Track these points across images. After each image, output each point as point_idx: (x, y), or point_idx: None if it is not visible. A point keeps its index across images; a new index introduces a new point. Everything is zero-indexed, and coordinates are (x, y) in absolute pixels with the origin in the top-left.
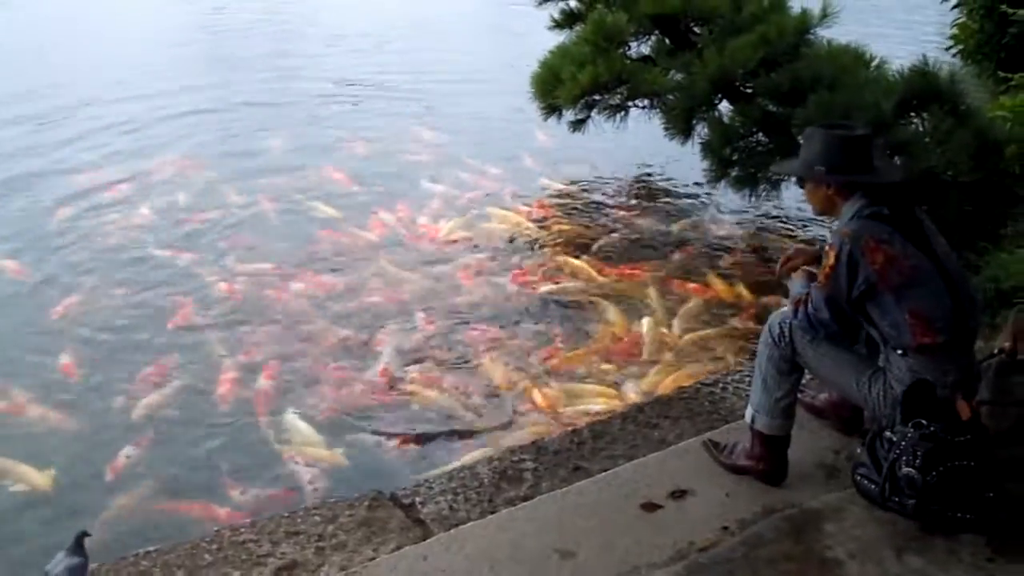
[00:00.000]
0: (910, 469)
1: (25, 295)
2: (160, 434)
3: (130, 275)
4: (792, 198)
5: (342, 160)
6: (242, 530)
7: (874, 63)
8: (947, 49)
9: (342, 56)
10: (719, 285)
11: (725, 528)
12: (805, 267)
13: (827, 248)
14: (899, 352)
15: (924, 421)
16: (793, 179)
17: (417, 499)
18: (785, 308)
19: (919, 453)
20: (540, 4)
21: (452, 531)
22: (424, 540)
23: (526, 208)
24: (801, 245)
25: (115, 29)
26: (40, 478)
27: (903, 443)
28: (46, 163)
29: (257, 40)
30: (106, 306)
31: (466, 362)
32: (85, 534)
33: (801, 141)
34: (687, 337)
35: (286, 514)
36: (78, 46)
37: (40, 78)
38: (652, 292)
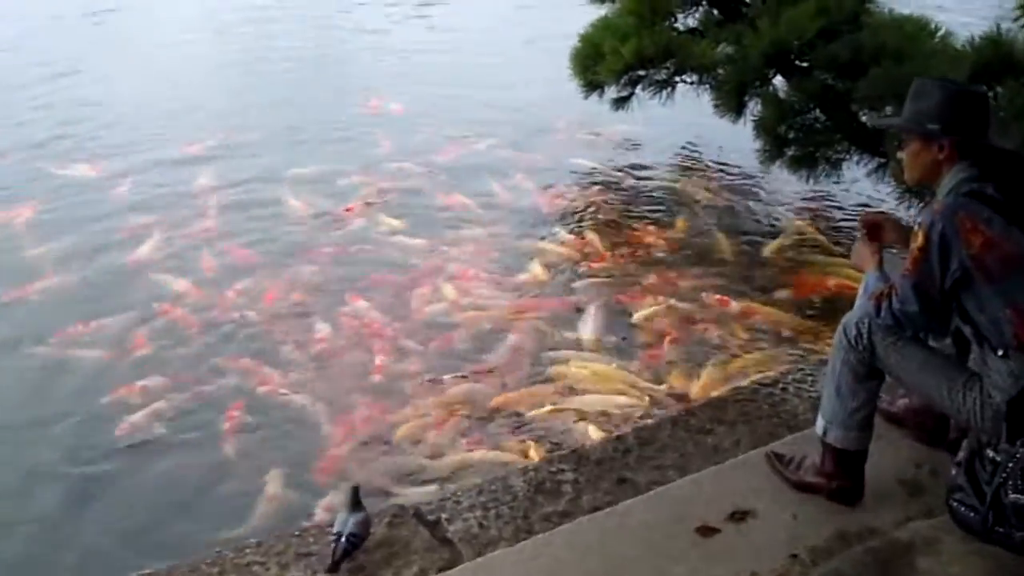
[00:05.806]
0: (1019, 495)
1: None
2: None
3: None
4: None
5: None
6: (247, 551)
7: (939, 33)
8: (1015, 20)
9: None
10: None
11: (794, 556)
12: (885, 248)
13: (916, 228)
14: (999, 353)
15: None
16: (856, 159)
17: (443, 515)
18: (861, 306)
19: None
20: None
21: (480, 559)
22: (451, 564)
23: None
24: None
25: None
26: None
27: (1010, 465)
28: None
29: None
30: None
31: None
32: (357, 489)
33: (910, 94)
34: None
35: (296, 532)
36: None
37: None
38: None
